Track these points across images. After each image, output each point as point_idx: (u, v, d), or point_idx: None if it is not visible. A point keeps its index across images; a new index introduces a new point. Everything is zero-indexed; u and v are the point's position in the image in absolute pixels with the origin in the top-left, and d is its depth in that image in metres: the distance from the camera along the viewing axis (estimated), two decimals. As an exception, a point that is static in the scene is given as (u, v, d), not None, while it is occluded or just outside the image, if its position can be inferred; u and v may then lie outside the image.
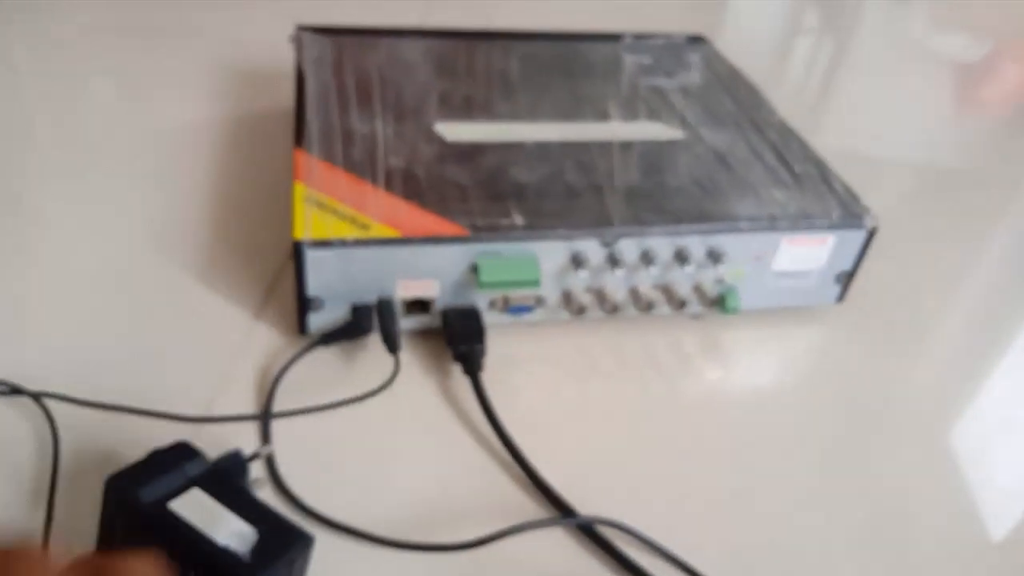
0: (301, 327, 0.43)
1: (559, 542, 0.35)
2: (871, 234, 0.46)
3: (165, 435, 0.38)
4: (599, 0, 0.89)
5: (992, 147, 0.73)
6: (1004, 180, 0.67)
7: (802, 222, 0.45)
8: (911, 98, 0.80)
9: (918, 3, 1.02)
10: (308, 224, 0.40)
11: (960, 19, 0.99)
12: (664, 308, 0.46)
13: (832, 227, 0.45)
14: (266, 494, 0.36)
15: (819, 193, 0.47)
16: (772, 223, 0.44)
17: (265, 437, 0.38)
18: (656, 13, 0.87)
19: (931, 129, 0.75)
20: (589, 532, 0.36)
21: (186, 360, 0.42)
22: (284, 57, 0.69)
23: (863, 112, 0.76)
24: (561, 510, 0.36)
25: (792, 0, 1.01)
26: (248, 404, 0.40)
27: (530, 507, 0.37)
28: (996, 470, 0.42)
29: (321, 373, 0.42)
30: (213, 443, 0.38)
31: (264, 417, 0.39)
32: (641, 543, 0.35)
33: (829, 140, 0.52)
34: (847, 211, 0.46)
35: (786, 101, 0.56)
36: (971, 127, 0.76)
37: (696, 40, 0.64)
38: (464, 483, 0.37)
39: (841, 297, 0.49)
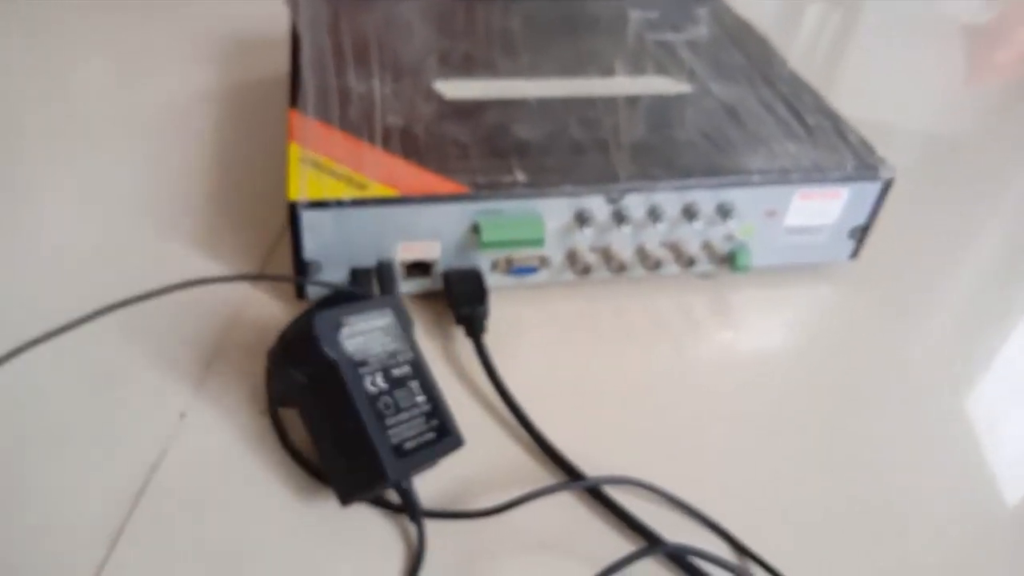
0: (299, 292, 0.42)
1: (567, 506, 0.35)
2: (887, 186, 0.44)
3: (162, 393, 0.37)
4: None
5: (1005, 110, 0.71)
6: (1018, 142, 0.65)
7: (815, 174, 0.43)
8: (922, 63, 0.77)
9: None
10: (303, 185, 0.39)
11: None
12: (672, 267, 0.44)
13: (846, 179, 0.43)
14: (270, 458, 0.35)
15: (832, 145, 0.45)
16: (784, 176, 0.43)
17: (267, 403, 0.37)
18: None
19: (943, 93, 0.72)
20: (599, 495, 0.35)
21: (183, 327, 0.41)
22: (280, 25, 0.67)
23: (874, 77, 0.73)
24: (569, 473, 0.36)
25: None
26: (246, 371, 0.39)
27: (536, 470, 0.36)
28: (1011, 433, 0.40)
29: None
30: (210, 406, 0.37)
31: (267, 380, 0.38)
32: (657, 499, 0.34)
33: (840, 105, 0.50)
34: (862, 162, 0.44)
35: (794, 66, 0.54)
36: (984, 91, 0.74)
37: (704, -6, 0.62)
38: (469, 447, 0.36)
39: (855, 253, 0.47)
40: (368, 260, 0.41)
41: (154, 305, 0.41)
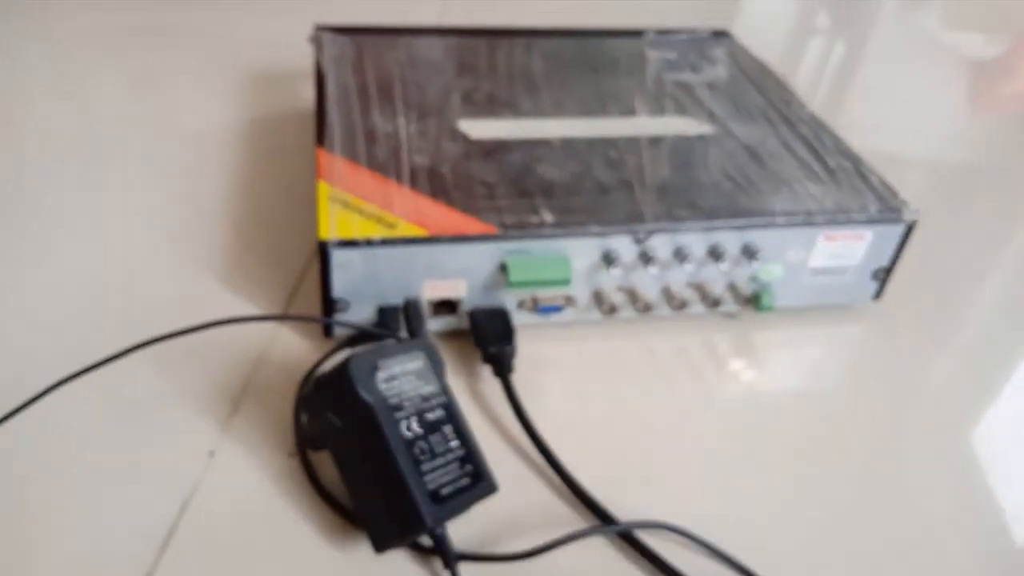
0: (326, 330, 0.42)
1: (598, 549, 0.34)
2: (910, 228, 0.45)
3: (191, 432, 0.37)
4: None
5: (1012, 145, 0.71)
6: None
7: (839, 216, 0.43)
8: (928, 97, 0.78)
9: (933, 1, 1.00)
10: (333, 224, 0.39)
11: (975, 16, 0.98)
12: (697, 307, 0.44)
13: (870, 221, 0.44)
14: (300, 499, 0.35)
15: (855, 187, 0.46)
16: (808, 218, 0.43)
17: (294, 444, 0.37)
18: (665, 10, 0.86)
19: (949, 127, 0.73)
20: (630, 539, 0.34)
21: (211, 365, 0.41)
22: (301, 58, 0.68)
23: (880, 111, 0.74)
24: (599, 516, 0.35)
25: (811, -5, 0.99)
26: (274, 410, 0.39)
27: (567, 513, 0.36)
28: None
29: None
30: (238, 446, 0.37)
31: (295, 422, 0.38)
32: (688, 544, 0.34)
33: (854, 137, 0.51)
34: (885, 205, 0.44)
35: (808, 101, 0.55)
36: (999, 124, 0.75)
37: (720, 35, 0.63)
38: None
39: (879, 294, 0.47)
40: (395, 298, 0.41)
41: (182, 343, 0.41)
